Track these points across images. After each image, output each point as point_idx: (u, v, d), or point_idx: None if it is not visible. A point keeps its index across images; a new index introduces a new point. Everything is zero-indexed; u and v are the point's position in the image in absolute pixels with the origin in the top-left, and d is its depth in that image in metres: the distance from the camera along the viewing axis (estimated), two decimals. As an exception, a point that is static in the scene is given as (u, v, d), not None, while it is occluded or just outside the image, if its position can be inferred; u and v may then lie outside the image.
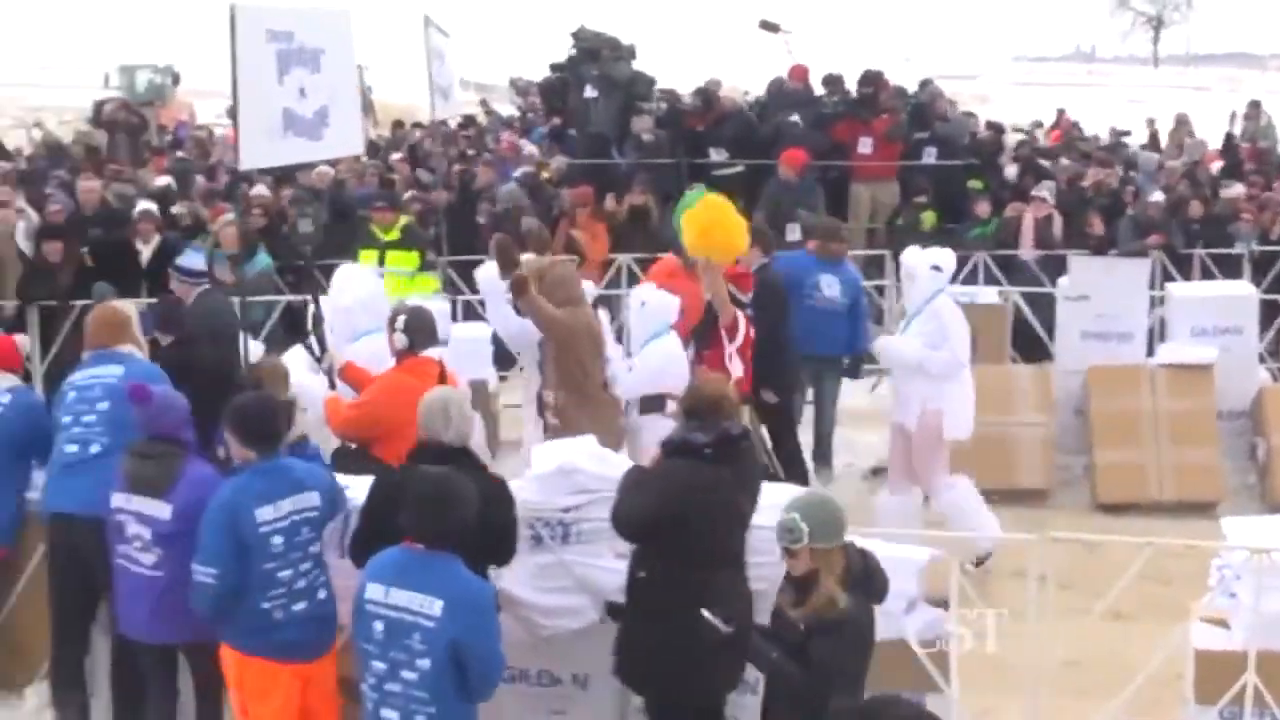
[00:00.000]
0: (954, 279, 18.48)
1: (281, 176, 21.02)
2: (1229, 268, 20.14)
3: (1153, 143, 32.08)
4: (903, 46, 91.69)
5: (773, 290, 14.25)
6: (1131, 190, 23.33)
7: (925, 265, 13.87)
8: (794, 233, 20.32)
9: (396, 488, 8.39)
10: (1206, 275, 19.96)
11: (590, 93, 24.29)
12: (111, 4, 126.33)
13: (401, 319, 11.30)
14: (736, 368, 12.92)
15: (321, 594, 8.78)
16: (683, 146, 22.86)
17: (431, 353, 11.31)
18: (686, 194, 14.26)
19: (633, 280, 18.30)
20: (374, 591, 7.84)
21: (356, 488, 9.24)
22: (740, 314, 13.15)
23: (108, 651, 9.96)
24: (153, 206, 19.27)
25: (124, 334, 10.55)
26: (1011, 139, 27.69)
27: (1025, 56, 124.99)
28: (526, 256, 13.35)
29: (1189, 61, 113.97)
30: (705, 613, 8.18)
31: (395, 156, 26.63)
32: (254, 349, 12.78)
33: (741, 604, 8.57)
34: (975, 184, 22.28)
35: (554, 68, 26.99)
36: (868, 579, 8.16)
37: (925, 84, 26.16)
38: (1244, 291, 17.40)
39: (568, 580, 9.51)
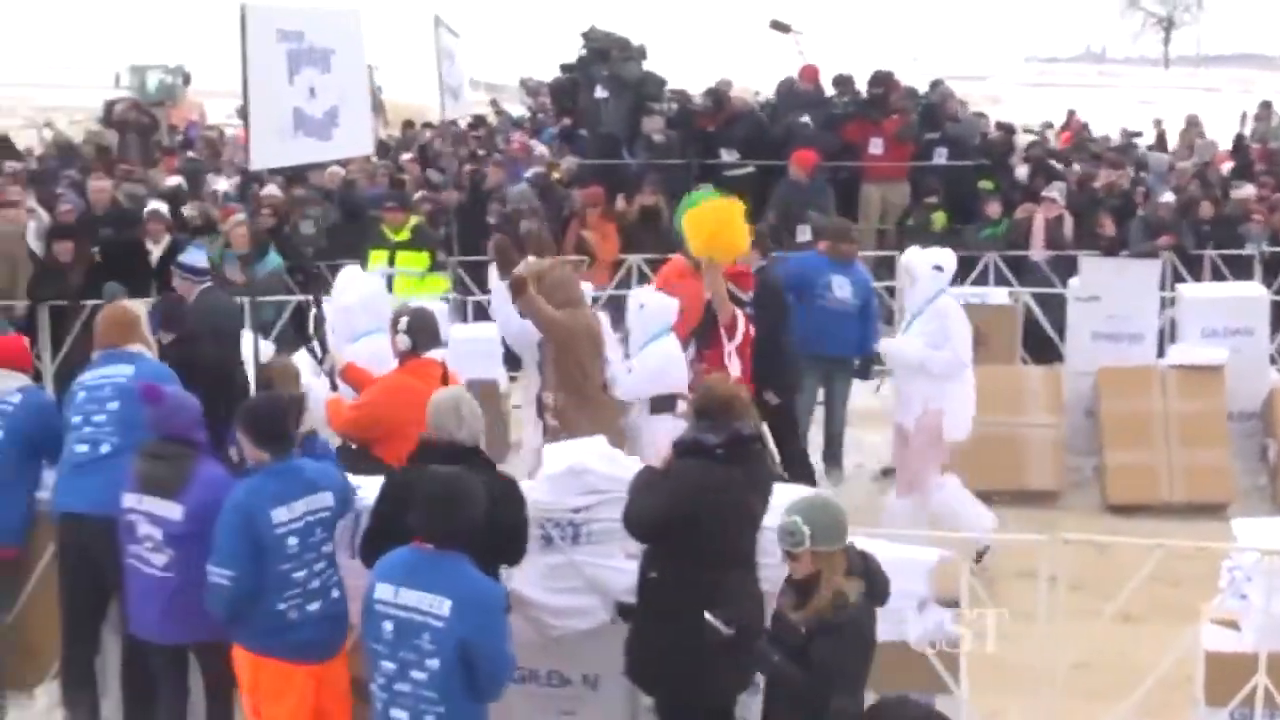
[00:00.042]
0: (965, 280, 18.64)
1: (293, 177, 21.04)
2: (1240, 269, 20.11)
3: (1160, 143, 32.06)
4: (912, 47, 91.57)
5: (772, 291, 14.25)
6: (1142, 191, 23.32)
7: (927, 265, 13.87)
8: (804, 234, 20.33)
9: (407, 488, 8.40)
10: (1217, 276, 19.95)
11: (601, 93, 24.28)
12: (122, 4, 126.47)
13: (404, 320, 11.31)
14: (735, 367, 12.94)
15: (334, 593, 8.79)
16: (693, 147, 22.86)
17: (434, 354, 11.31)
18: (692, 194, 14.24)
19: (643, 281, 18.31)
20: (383, 591, 7.84)
21: (367, 488, 9.24)
22: (740, 312, 13.15)
23: (118, 651, 9.96)
24: (162, 206, 19.29)
25: (133, 334, 10.55)
26: (1023, 140, 27.68)
27: (1036, 57, 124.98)
28: (528, 259, 13.38)
29: (1199, 62, 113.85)
30: (708, 615, 8.18)
31: (406, 157, 26.65)
32: (264, 349, 12.77)
33: (752, 605, 8.57)
34: (986, 185, 22.27)
35: (564, 68, 26.99)
36: (869, 581, 8.14)
37: (936, 84, 26.14)
38: (1255, 293, 17.37)
39: (578, 581, 9.51)
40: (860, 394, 16.40)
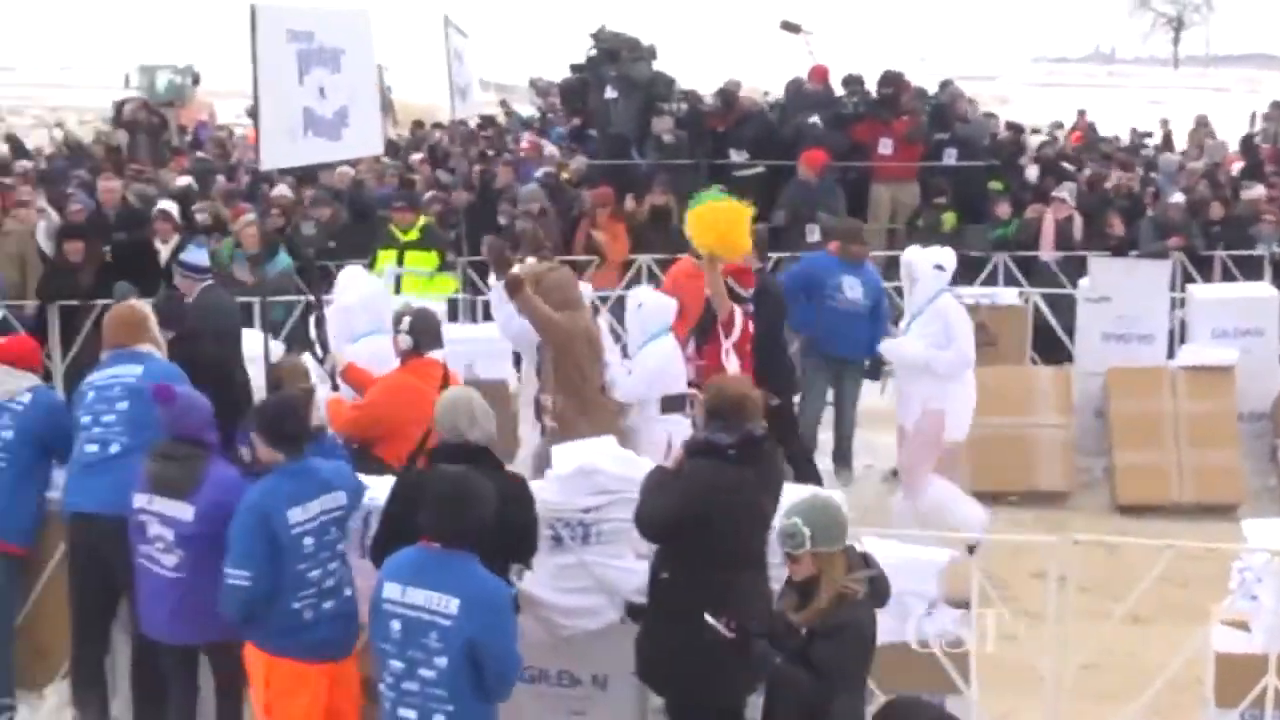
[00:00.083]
0: (975, 280, 18.62)
1: (303, 177, 21.06)
2: (1250, 269, 20.07)
3: (1166, 144, 32.03)
4: (920, 47, 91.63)
5: (771, 293, 14.23)
6: (1152, 192, 23.30)
7: (928, 265, 13.87)
8: (813, 234, 20.34)
9: (418, 489, 8.40)
10: (1227, 277, 19.91)
11: (610, 93, 24.27)
12: (132, 5, 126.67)
13: (406, 320, 11.31)
14: (733, 363, 12.95)
15: (347, 591, 8.80)
16: (703, 147, 22.85)
17: (435, 354, 11.32)
18: (701, 193, 14.24)
19: (654, 281, 18.30)
20: (391, 591, 7.85)
21: (376, 489, 9.25)
22: (738, 309, 13.15)
23: (128, 651, 9.96)
24: (171, 206, 19.31)
25: (142, 333, 10.52)
26: (1034, 140, 27.66)
27: (1045, 57, 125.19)
28: (527, 260, 13.41)
29: (1209, 62, 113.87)
30: (708, 617, 8.18)
31: (415, 157, 26.66)
32: (274, 348, 12.79)
33: (763, 605, 8.55)
34: (995, 185, 22.26)
35: (574, 68, 26.99)
36: (869, 581, 8.13)
37: (946, 85, 26.13)
38: (1265, 293, 17.34)
39: (588, 581, 9.52)
40: (870, 395, 16.40)
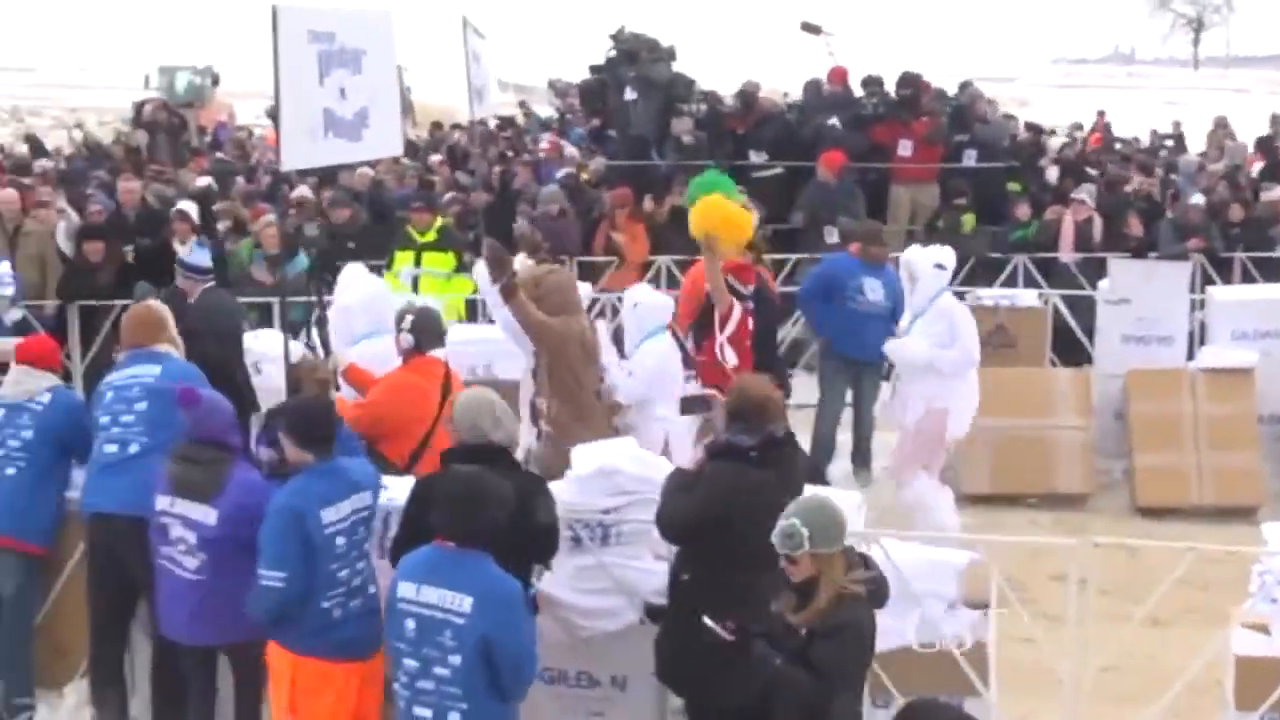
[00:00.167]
0: (994, 282, 18.61)
1: (323, 178, 21.09)
2: (1270, 271, 20.02)
3: (1179, 146, 31.96)
4: (941, 49, 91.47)
5: (764, 296, 14.20)
6: (1171, 193, 23.27)
7: (929, 264, 13.87)
8: (832, 235, 20.34)
9: (434, 490, 8.40)
10: (1247, 279, 19.87)
11: (630, 94, 24.25)
12: (151, 6, 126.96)
13: (409, 319, 11.30)
14: (729, 357, 12.95)
15: (371, 588, 8.80)
16: (723, 148, 22.84)
17: (437, 353, 11.32)
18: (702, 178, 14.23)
19: (672, 282, 18.31)
20: (405, 589, 7.87)
21: (396, 489, 9.26)
22: (737, 304, 13.15)
23: (148, 651, 9.97)
24: (190, 207, 19.34)
25: (161, 333, 10.53)
26: (1054, 143, 27.62)
27: (1064, 58, 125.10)
28: (525, 261, 13.44)
29: (1229, 63, 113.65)
30: (706, 619, 8.17)
31: (435, 158, 26.68)
32: (294, 349, 12.80)
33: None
34: (1014, 186, 22.23)
35: (593, 69, 26.98)
36: (869, 582, 8.11)
37: (965, 86, 26.09)
38: (1285, 296, 17.32)
39: (607, 582, 9.52)
40: (884, 396, 16.39)
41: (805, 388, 17.26)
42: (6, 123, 56.12)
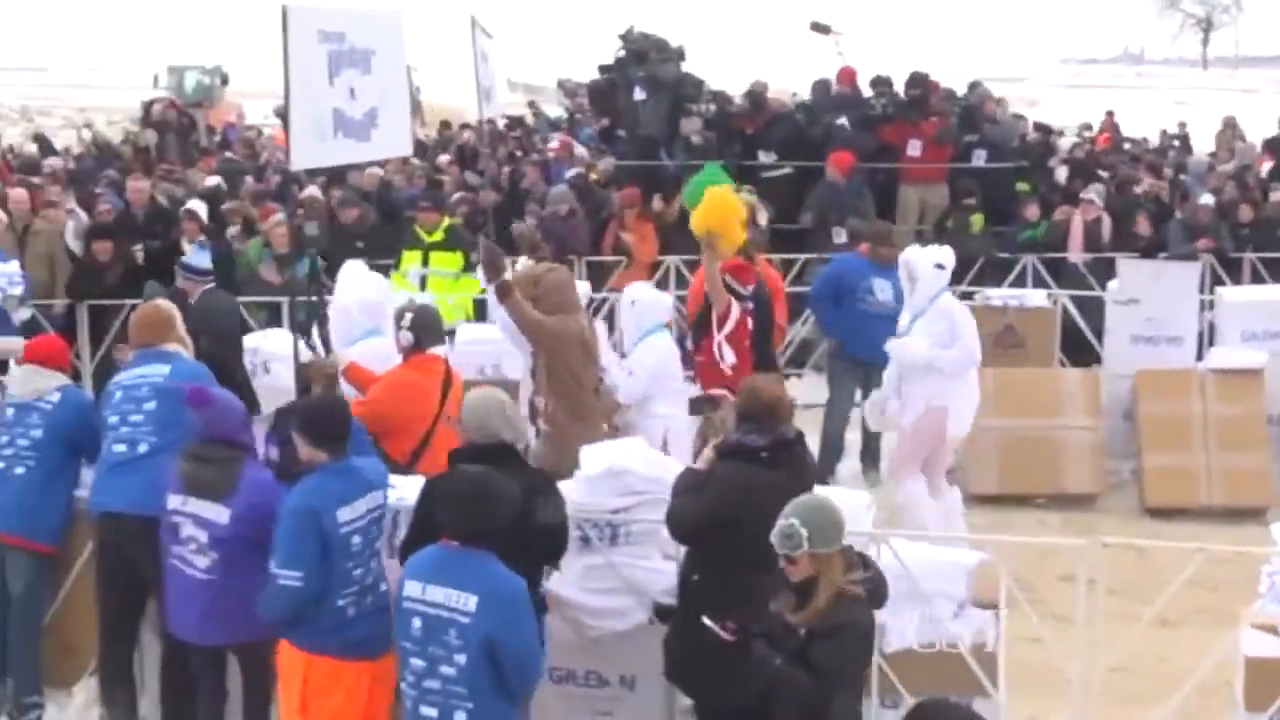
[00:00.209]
0: (1003, 282, 18.60)
1: (331, 177, 21.09)
2: (1279, 272, 20.02)
3: (1184, 146, 31.93)
4: (950, 49, 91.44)
5: (763, 297, 14.20)
6: (1180, 193, 23.24)
7: (928, 264, 13.84)
8: (840, 236, 20.32)
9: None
10: (1256, 279, 19.84)
11: (639, 94, 24.21)
12: (160, 5, 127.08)
13: (408, 317, 11.30)
14: (727, 356, 12.96)
15: (383, 586, 8.79)
16: (732, 148, 22.82)
17: (437, 350, 11.33)
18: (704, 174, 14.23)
19: (681, 281, 18.31)
20: (411, 588, 7.87)
21: (405, 489, 9.26)
22: (735, 303, 13.15)
23: (156, 649, 9.98)
24: (199, 206, 19.36)
25: (169, 332, 10.53)
26: (1065, 143, 27.59)
27: (1073, 58, 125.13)
28: (526, 261, 13.45)
29: (1238, 63, 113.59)
30: (706, 620, 8.17)
31: (443, 158, 26.67)
32: (303, 349, 12.82)
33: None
34: (1023, 186, 22.22)
35: (602, 69, 26.96)
36: (868, 581, 8.10)
37: (974, 86, 26.07)
38: (1294, 296, 17.31)
39: (616, 581, 9.53)
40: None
41: (814, 388, 17.29)
42: (16, 122, 56.16)
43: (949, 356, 13.58)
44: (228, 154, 29.46)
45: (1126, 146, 29.62)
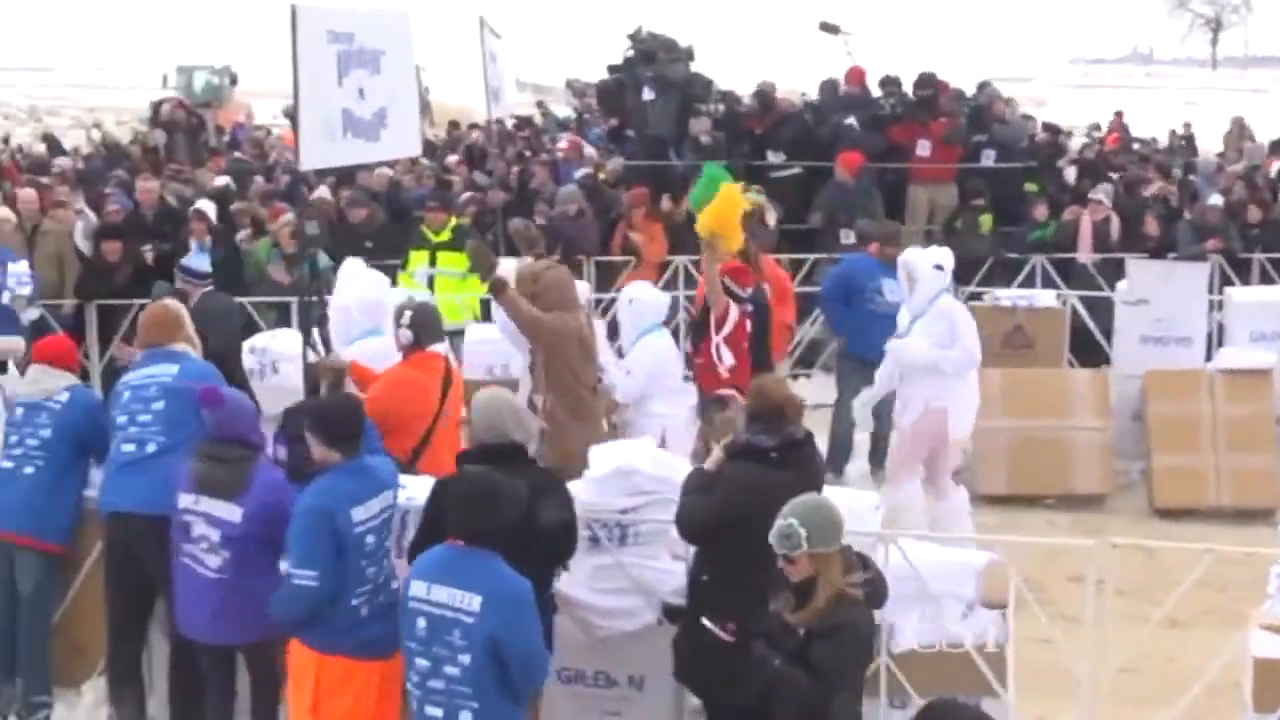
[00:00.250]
0: (1012, 282, 18.58)
1: (341, 178, 21.10)
2: (1289, 272, 20.01)
3: (1189, 147, 31.90)
4: (958, 49, 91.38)
5: (761, 300, 14.21)
6: (1190, 194, 23.22)
7: (928, 265, 13.84)
8: (848, 237, 20.30)
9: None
10: (1265, 280, 19.82)
11: (648, 94, 24.21)
12: (169, 5, 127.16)
13: (408, 315, 11.28)
14: (726, 358, 12.95)
15: (394, 584, 8.80)
16: (741, 148, 22.81)
17: (436, 348, 11.34)
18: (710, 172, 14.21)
19: (690, 281, 18.31)
20: (417, 588, 7.88)
21: (414, 489, 9.27)
22: (734, 306, 13.14)
23: (165, 649, 9.98)
24: (207, 206, 19.37)
25: (177, 332, 10.54)
26: (1076, 143, 27.57)
27: (1082, 58, 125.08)
28: (515, 259, 13.46)
29: (1247, 63, 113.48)
30: (705, 621, 8.16)
31: (452, 158, 26.67)
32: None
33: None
34: (1031, 187, 22.20)
35: (611, 69, 26.96)
36: (867, 582, 8.10)
37: (984, 86, 26.05)
38: (1304, 296, 17.30)
39: (624, 581, 9.53)
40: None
41: (823, 388, 17.29)
42: (25, 122, 56.26)
43: (950, 357, 13.58)
44: (236, 154, 29.46)
45: (1135, 147, 29.60)
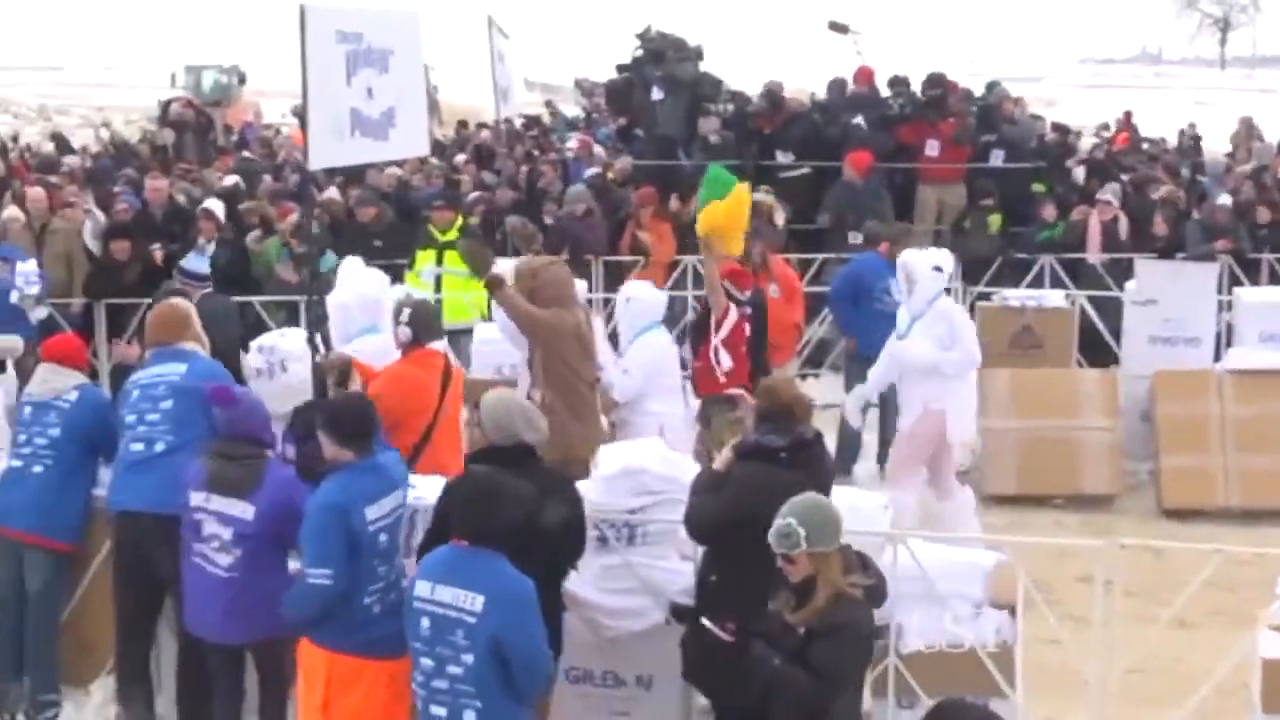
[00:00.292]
0: (1021, 283, 18.58)
1: (349, 177, 21.11)
2: (1298, 272, 19.99)
3: (1195, 148, 31.85)
4: (967, 49, 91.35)
5: (760, 302, 14.20)
6: (1198, 193, 23.20)
7: (927, 267, 13.83)
8: (857, 238, 20.29)
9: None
10: (1274, 280, 19.78)
11: (657, 94, 24.21)
12: (178, 4, 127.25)
13: (406, 312, 11.28)
14: (723, 360, 12.95)
15: (404, 582, 8.79)
16: (750, 148, 22.81)
17: (435, 345, 11.35)
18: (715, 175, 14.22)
19: (698, 281, 18.30)
20: (421, 588, 7.88)
21: (424, 488, 9.27)
22: (733, 308, 13.14)
23: (173, 648, 9.99)
24: (215, 205, 19.39)
25: (185, 331, 10.54)
26: (1086, 143, 27.53)
27: (1091, 58, 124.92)
28: (515, 258, 13.47)
29: (1256, 63, 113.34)
30: (705, 621, 8.16)
31: (460, 157, 26.68)
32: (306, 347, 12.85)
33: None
34: (1038, 187, 22.18)
35: (620, 69, 26.96)
36: (869, 588, 8.09)
37: (993, 86, 26.04)
38: (1313, 297, 17.26)
39: (633, 581, 9.53)
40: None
41: (831, 388, 17.28)
42: (34, 121, 56.28)
43: (951, 359, 13.58)
44: (245, 153, 29.48)
45: (1145, 147, 29.57)
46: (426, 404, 10.93)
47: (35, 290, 16.17)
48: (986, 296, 18.27)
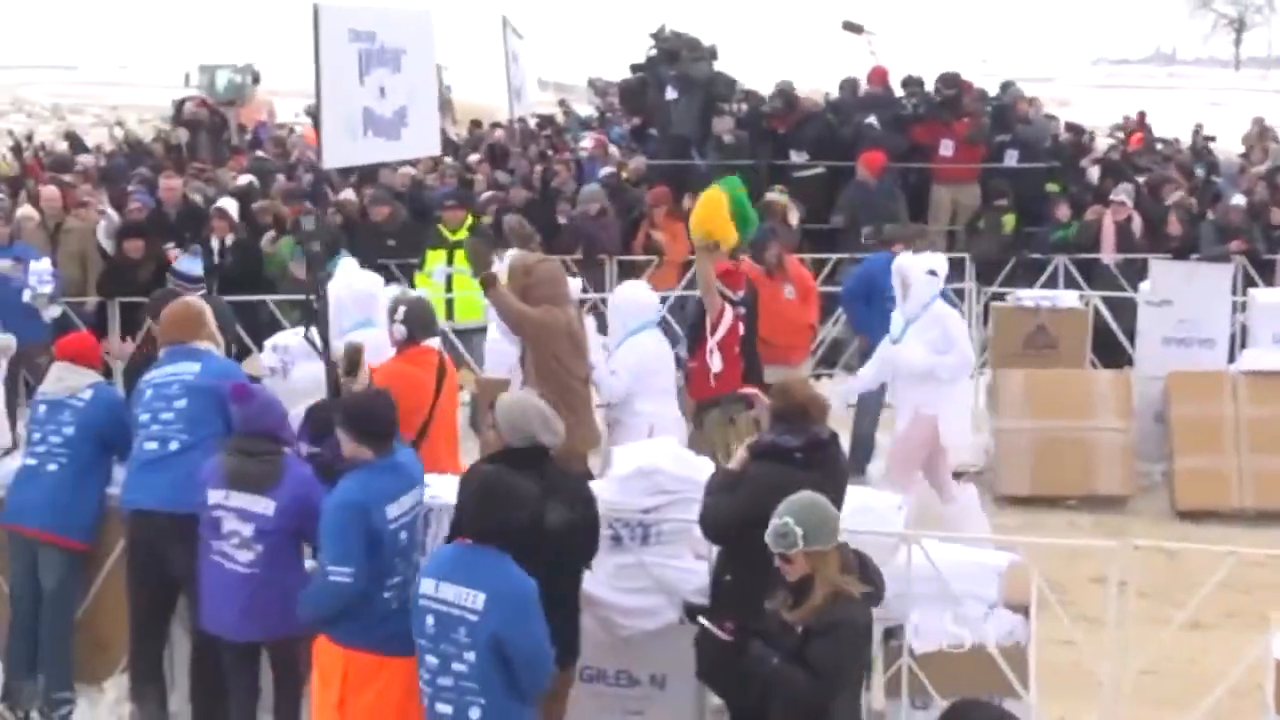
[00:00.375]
0: (1035, 283, 18.56)
1: (363, 176, 21.12)
2: (1312, 273, 19.94)
3: (1207, 149, 31.80)
4: (980, 48, 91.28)
5: (753, 303, 14.18)
6: (1212, 194, 23.16)
7: (920, 271, 13.82)
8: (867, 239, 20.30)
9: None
10: (1288, 282, 19.78)
11: (671, 93, 24.21)
12: (192, 4, 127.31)
13: (401, 310, 11.29)
14: (716, 362, 12.94)
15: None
16: (764, 148, 22.81)
17: (430, 342, 11.35)
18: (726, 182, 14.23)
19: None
20: (426, 586, 7.90)
21: (439, 487, 9.27)
22: (728, 308, 13.12)
23: (187, 646, 10.00)
24: (229, 204, 19.41)
25: (200, 330, 10.53)
26: (1101, 144, 27.49)
27: (1105, 59, 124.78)
28: (512, 252, 13.45)
29: (1270, 64, 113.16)
30: (704, 620, 8.16)
31: (474, 157, 26.68)
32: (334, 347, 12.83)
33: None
34: (1052, 187, 22.15)
35: (634, 68, 26.97)
36: (866, 581, 8.08)
37: (1007, 86, 26.03)
38: (1328, 298, 17.24)
39: (647, 581, 9.53)
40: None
41: (844, 387, 17.26)
42: (48, 120, 56.40)
43: (946, 362, 13.60)
44: (259, 152, 29.47)
45: (1159, 147, 29.53)
46: (422, 401, 10.94)
47: (49, 289, 16.18)
48: (1000, 297, 18.25)
